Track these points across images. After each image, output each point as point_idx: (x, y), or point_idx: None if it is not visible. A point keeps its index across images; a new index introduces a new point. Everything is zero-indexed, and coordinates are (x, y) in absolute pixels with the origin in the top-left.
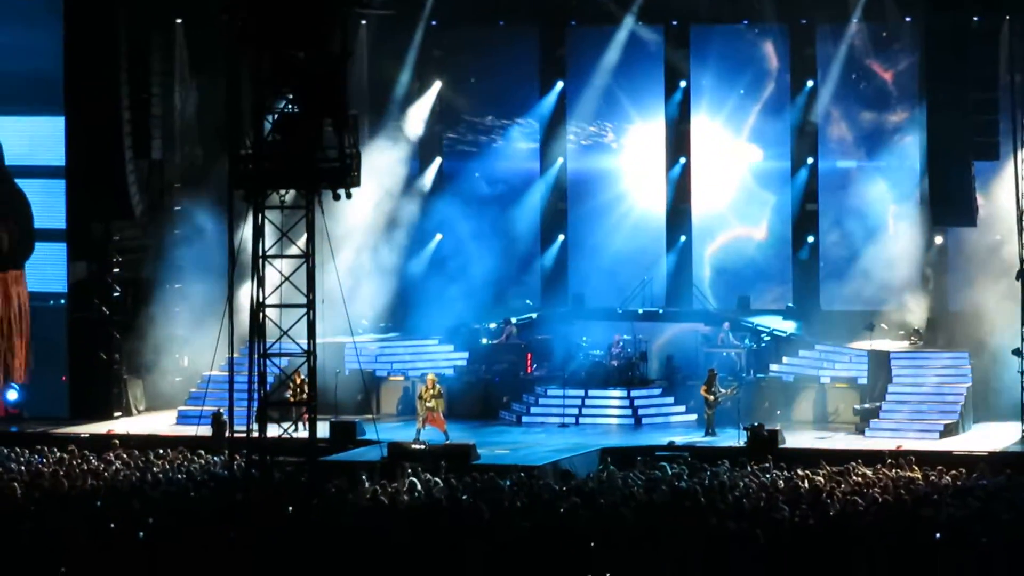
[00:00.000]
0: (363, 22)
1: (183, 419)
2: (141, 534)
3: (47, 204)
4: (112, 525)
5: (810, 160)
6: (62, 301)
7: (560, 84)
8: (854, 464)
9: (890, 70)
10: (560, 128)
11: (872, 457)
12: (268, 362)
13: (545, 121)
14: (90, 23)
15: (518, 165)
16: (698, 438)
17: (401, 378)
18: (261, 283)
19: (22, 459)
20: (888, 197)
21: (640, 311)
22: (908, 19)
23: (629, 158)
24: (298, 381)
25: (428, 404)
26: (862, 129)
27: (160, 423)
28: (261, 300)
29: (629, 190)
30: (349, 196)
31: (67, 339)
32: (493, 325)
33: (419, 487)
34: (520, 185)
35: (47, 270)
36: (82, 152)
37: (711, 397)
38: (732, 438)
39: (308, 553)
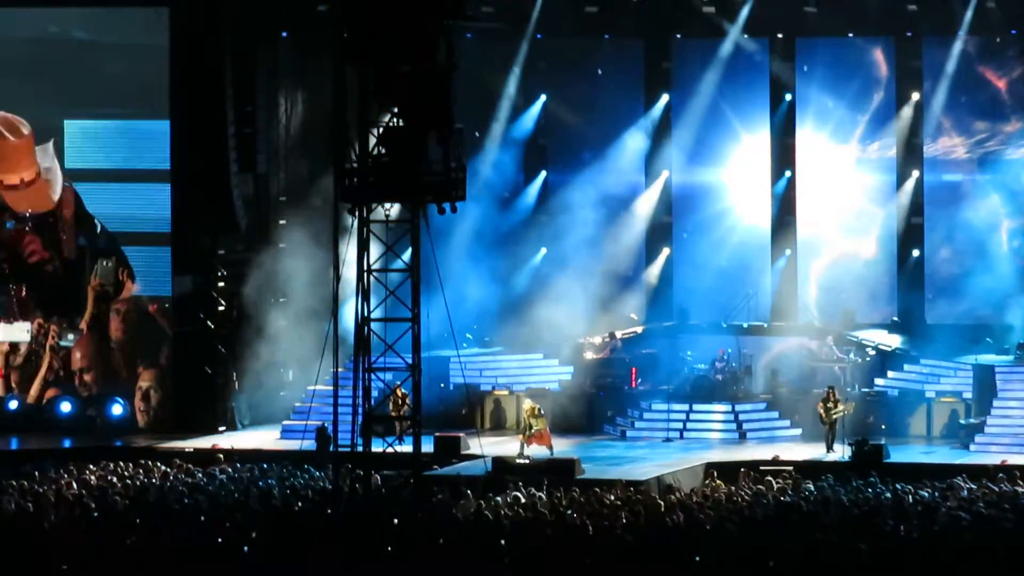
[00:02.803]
0: (468, 35)
1: (287, 433)
2: (245, 548)
3: (153, 206)
4: (218, 539)
5: (916, 173)
6: (166, 305)
7: (666, 97)
8: (959, 479)
9: (1004, 78)
10: (666, 141)
11: (977, 472)
12: (373, 376)
13: (651, 134)
14: (195, 31)
15: (623, 178)
16: (802, 452)
17: (506, 392)
18: (366, 297)
19: (127, 473)
20: (1001, 212)
21: (745, 325)
22: (1014, 32)
23: (734, 172)
24: (399, 394)
25: (535, 427)
26: (974, 140)
27: (265, 438)
28: (366, 314)
29: (734, 204)
30: (455, 210)
31: (172, 353)
32: (598, 339)
33: (523, 501)
34: (625, 198)
35: (154, 274)
36: (187, 162)
37: (827, 414)
38: (836, 452)
39: (412, 567)
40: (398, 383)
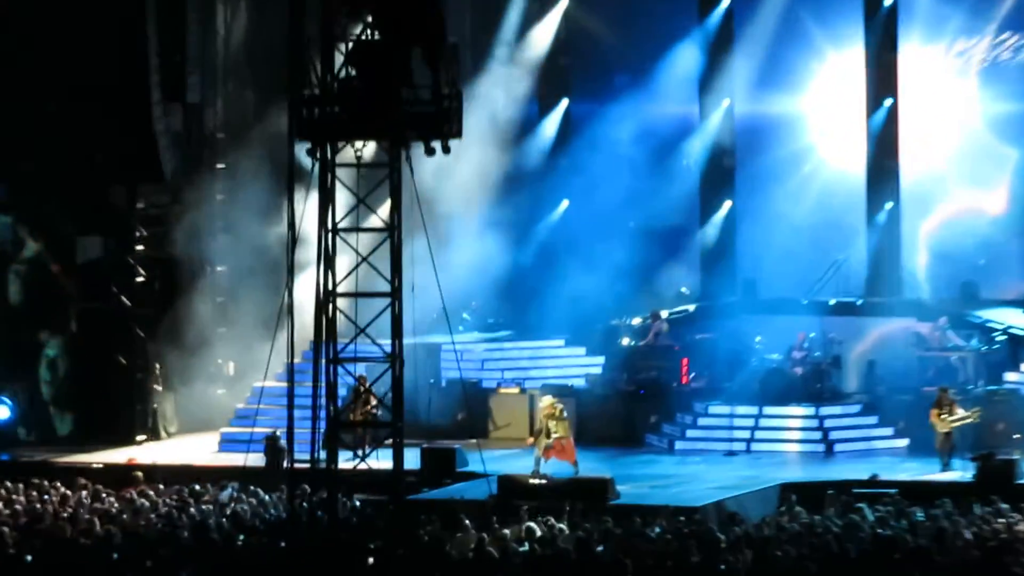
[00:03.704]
0: None
1: (228, 444)
2: None
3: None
4: None
5: None
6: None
7: (725, 2)
8: None
9: None
10: (726, 60)
11: None
12: (340, 369)
13: (707, 51)
14: None
15: (670, 109)
16: (909, 470)
17: (515, 390)
18: (331, 265)
19: (15, 496)
20: None
21: (832, 302)
22: None
23: (817, 100)
24: (363, 392)
25: (554, 434)
26: None
27: (198, 449)
28: (330, 288)
29: (817, 143)
30: (447, 150)
31: (72, 338)
32: (637, 321)
33: (539, 534)
34: (673, 136)
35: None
36: (94, 88)
37: (942, 423)
38: (956, 469)
39: None
40: (362, 377)
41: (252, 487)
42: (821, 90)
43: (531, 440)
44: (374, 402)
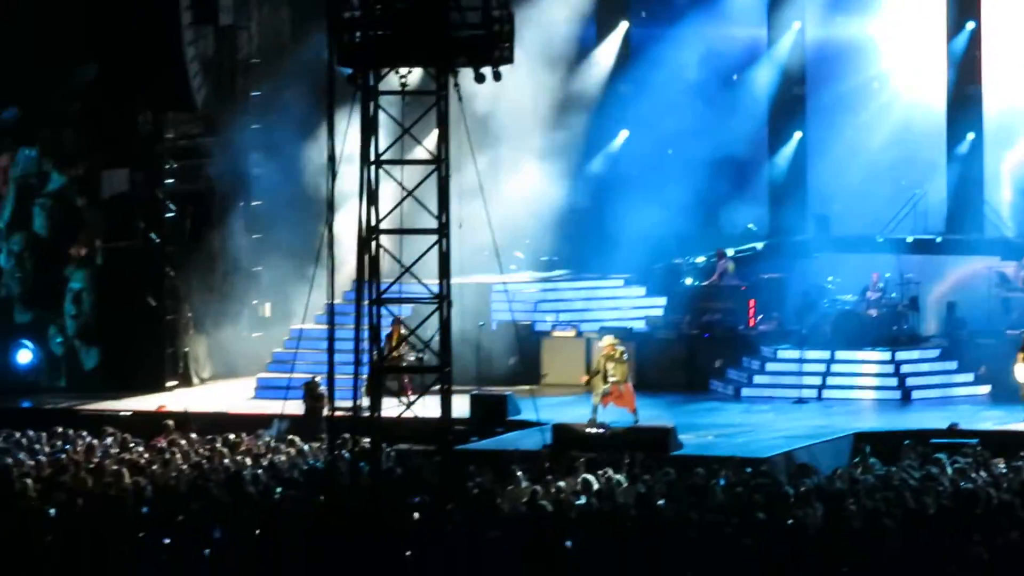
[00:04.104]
0: None
1: (264, 391)
2: (207, 551)
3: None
4: (165, 539)
5: None
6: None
7: None
8: None
9: None
10: None
11: None
12: (383, 310)
13: None
14: None
15: (737, 32)
16: (992, 419)
17: (571, 333)
18: (373, 199)
19: (38, 446)
20: None
21: (909, 240)
22: None
23: (891, 23)
24: (400, 334)
25: (611, 377)
26: None
27: (232, 396)
28: (373, 223)
29: (891, 70)
30: (498, 77)
31: (98, 272)
32: (701, 260)
33: (597, 488)
34: (739, 62)
35: None
36: (119, 14)
37: None
38: None
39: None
40: (398, 318)
41: (290, 436)
42: (897, 13)
43: (585, 379)
44: (404, 348)
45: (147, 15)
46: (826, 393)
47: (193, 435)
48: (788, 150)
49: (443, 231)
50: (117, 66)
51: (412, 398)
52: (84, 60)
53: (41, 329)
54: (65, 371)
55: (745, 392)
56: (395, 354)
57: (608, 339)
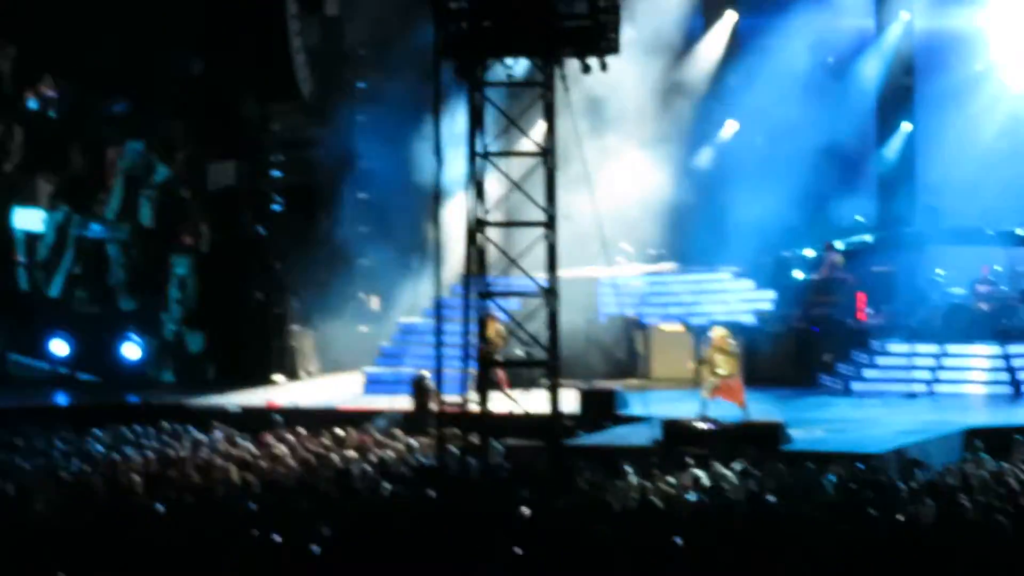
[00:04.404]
0: None
1: (373, 385)
2: (316, 548)
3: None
4: (274, 536)
5: None
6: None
7: None
8: None
9: None
10: None
11: None
12: (491, 304)
13: None
14: None
15: (845, 23)
16: None
17: (679, 327)
18: (480, 192)
19: (145, 441)
20: None
21: (1020, 232)
22: None
23: (1000, 14)
24: (496, 331)
25: (719, 370)
26: None
27: (339, 391)
28: (480, 216)
29: (1000, 62)
30: (604, 67)
31: (203, 266)
32: (810, 252)
33: (707, 484)
34: (848, 52)
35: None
36: (227, 8)
37: None
38: None
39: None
40: (489, 315)
41: (398, 431)
42: (1006, 3)
43: (691, 365)
44: (502, 342)
45: (253, 6)
46: (937, 387)
47: (301, 430)
48: (897, 141)
49: (550, 223)
50: (223, 58)
51: (509, 392)
52: (191, 54)
53: (146, 319)
54: (172, 361)
55: (855, 386)
56: (489, 348)
57: (720, 330)
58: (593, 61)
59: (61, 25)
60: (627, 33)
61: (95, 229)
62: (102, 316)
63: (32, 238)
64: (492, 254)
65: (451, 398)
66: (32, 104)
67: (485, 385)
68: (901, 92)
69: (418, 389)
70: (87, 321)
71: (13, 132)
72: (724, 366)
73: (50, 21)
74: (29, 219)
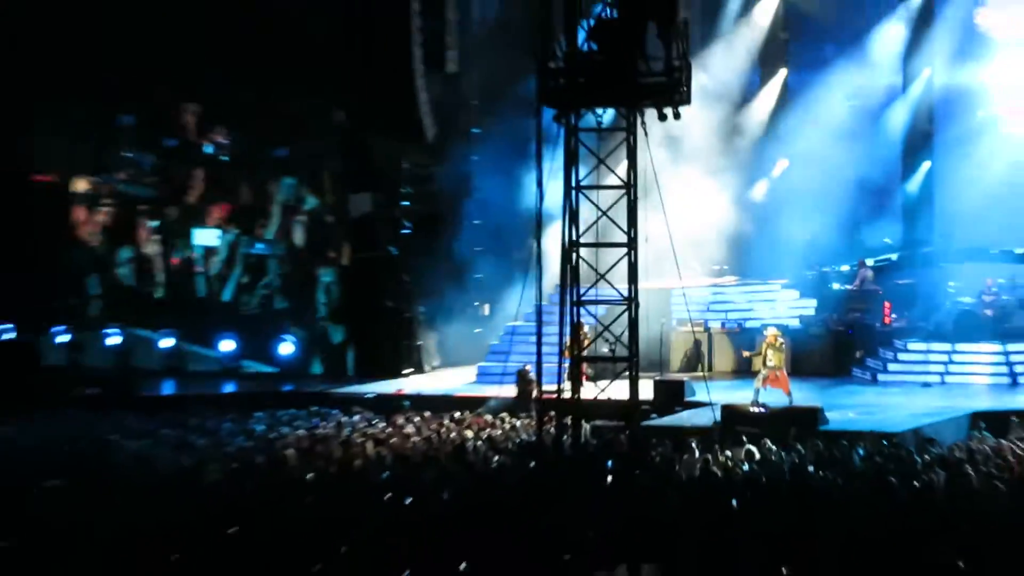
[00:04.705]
0: None
1: (484, 376)
2: (438, 510)
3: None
4: (406, 500)
5: None
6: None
7: None
8: None
9: None
10: (926, 34)
11: None
12: (582, 310)
13: (911, 26)
14: None
15: (877, 79)
16: None
17: (736, 329)
18: (574, 218)
19: (298, 423)
20: None
21: (1018, 251)
22: None
23: (1003, 72)
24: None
25: (770, 362)
26: None
27: (456, 381)
28: (574, 238)
29: (1003, 111)
30: (677, 116)
31: (344, 276)
32: (846, 268)
33: (758, 457)
34: (879, 103)
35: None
36: (363, 62)
37: None
38: None
39: (629, 532)
40: (579, 320)
41: (504, 414)
42: (1008, 63)
43: (746, 353)
44: (587, 343)
45: (387, 65)
46: (948, 378)
47: (426, 413)
48: (919, 177)
49: (631, 244)
50: (362, 109)
51: (587, 384)
52: (335, 106)
53: (297, 318)
54: (319, 356)
55: (881, 378)
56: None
57: (772, 330)
58: (668, 111)
59: (232, 86)
60: (698, 83)
61: (258, 247)
62: (262, 317)
63: (209, 253)
64: (583, 269)
65: (548, 387)
66: (208, 149)
67: (576, 376)
68: (923, 136)
69: (521, 379)
70: (251, 321)
71: (195, 171)
72: (774, 360)
73: (223, 84)
74: (207, 238)
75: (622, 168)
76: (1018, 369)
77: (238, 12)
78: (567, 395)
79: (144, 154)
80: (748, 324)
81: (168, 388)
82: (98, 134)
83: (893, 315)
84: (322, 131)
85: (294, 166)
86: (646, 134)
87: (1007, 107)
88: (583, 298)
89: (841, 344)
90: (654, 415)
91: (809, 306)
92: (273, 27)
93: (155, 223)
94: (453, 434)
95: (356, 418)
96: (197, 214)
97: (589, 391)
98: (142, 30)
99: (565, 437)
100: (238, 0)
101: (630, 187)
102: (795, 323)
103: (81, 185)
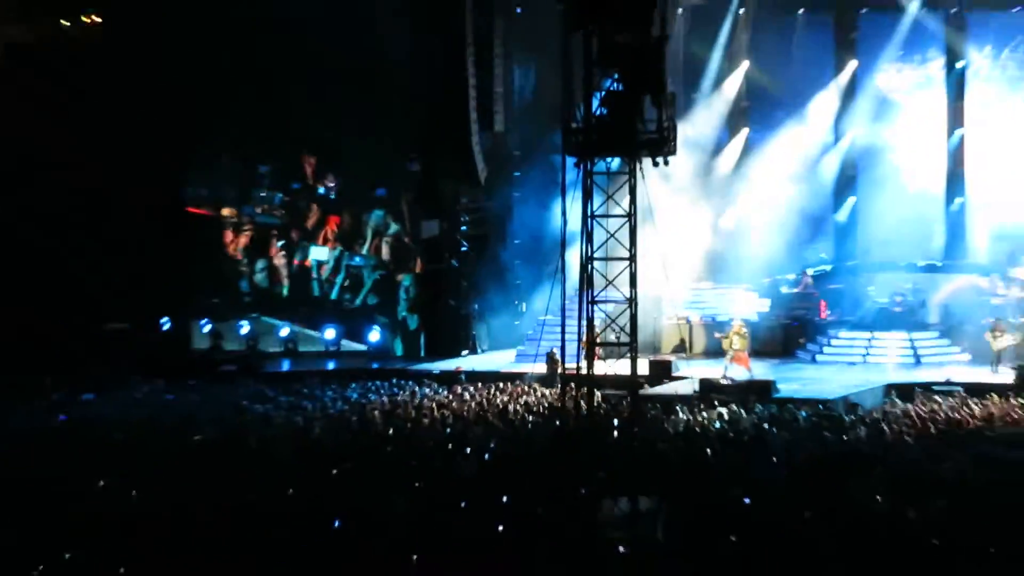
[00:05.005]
0: (680, 10)
1: (521, 357)
2: (486, 456)
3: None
4: (466, 448)
5: None
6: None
7: (853, 64)
8: None
9: None
10: (851, 104)
11: None
12: (595, 308)
13: (841, 96)
14: (440, 14)
15: (815, 136)
16: (971, 375)
17: (711, 322)
18: (590, 239)
19: (382, 391)
20: None
21: (920, 263)
22: None
23: (907, 130)
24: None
25: (735, 346)
26: None
27: (501, 360)
28: (589, 254)
29: (905, 162)
30: (667, 163)
31: (418, 281)
32: (792, 276)
33: (728, 417)
34: (817, 153)
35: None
36: (434, 128)
37: (995, 343)
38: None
39: (630, 472)
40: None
41: (536, 385)
42: (911, 123)
43: (718, 335)
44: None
45: (450, 125)
46: (868, 359)
47: (478, 383)
48: (846, 208)
49: (632, 259)
50: (432, 158)
51: (598, 362)
52: (413, 158)
53: (385, 311)
54: (400, 341)
55: (818, 358)
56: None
57: (738, 322)
58: (660, 159)
59: (338, 143)
60: (683, 135)
61: (356, 260)
62: (359, 311)
63: (320, 265)
64: (596, 277)
65: (570, 365)
66: (321, 190)
67: (590, 357)
68: (848, 178)
69: (550, 360)
70: (350, 314)
71: (311, 206)
72: (739, 344)
73: (333, 141)
74: (319, 254)
75: (625, 201)
76: (920, 352)
77: (341, 90)
78: (584, 371)
79: (275, 193)
80: (719, 318)
81: (285, 365)
82: (242, 178)
83: (827, 311)
84: (402, 176)
85: (382, 201)
86: (643, 176)
87: (905, 156)
88: (596, 298)
89: (789, 333)
90: (648, 386)
91: (764, 303)
92: (366, 100)
93: (282, 243)
94: (498, 400)
95: (425, 388)
96: (312, 236)
97: (600, 368)
98: (273, 101)
99: (582, 402)
100: (342, 81)
101: (631, 216)
102: (754, 317)
103: (226, 212)
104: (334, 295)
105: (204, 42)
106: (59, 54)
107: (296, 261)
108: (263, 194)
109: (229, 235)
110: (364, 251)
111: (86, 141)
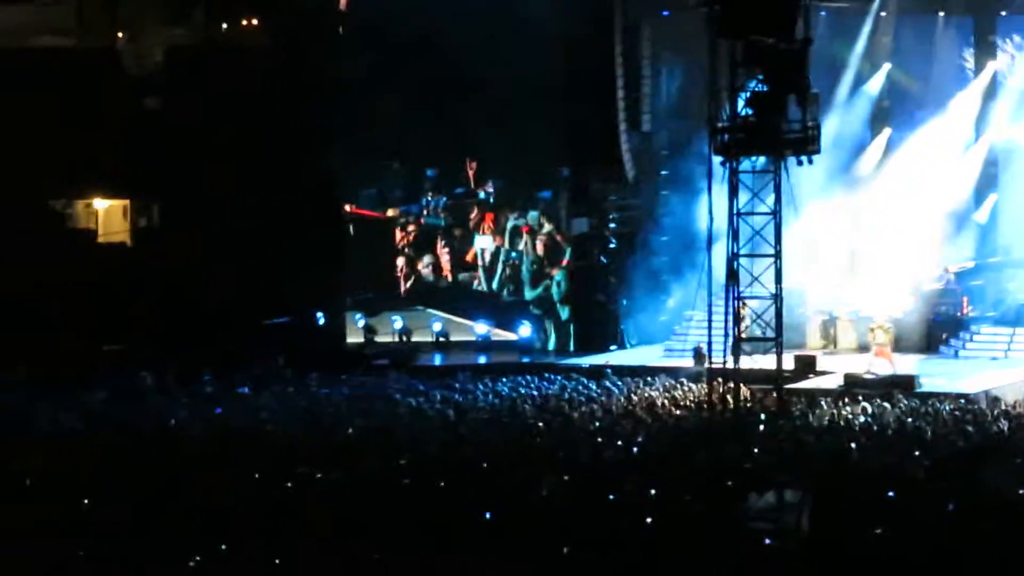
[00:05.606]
0: (823, 13)
1: (668, 352)
2: (635, 450)
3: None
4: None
5: None
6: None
7: (993, 64)
8: None
9: None
10: (992, 104)
11: None
12: (742, 303)
13: (982, 96)
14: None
15: (956, 136)
16: None
17: (855, 318)
18: (736, 236)
19: (532, 386)
20: None
21: None
22: None
23: None
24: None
25: (879, 341)
26: None
27: (649, 355)
28: (735, 251)
29: None
30: (811, 162)
31: (569, 276)
32: (935, 272)
33: (871, 411)
34: (958, 153)
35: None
36: (583, 132)
37: None
38: None
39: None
40: (739, 311)
41: (683, 379)
42: None
43: (872, 326)
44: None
45: (600, 126)
46: (1010, 354)
47: (626, 378)
48: (987, 206)
49: (777, 255)
50: (582, 159)
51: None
52: (565, 164)
53: (540, 306)
54: (554, 331)
55: (961, 353)
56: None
57: (881, 316)
58: (804, 158)
59: (498, 150)
60: (824, 140)
61: (514, 255)
62: (513, 305)
63: (483, 252)
64: (742, 273)
65: (716, 360)
66: (481, 195)
67: (738, 352)
68: (990, 177)
69: (697, 354)
70: (506, 307)
71: (474, 207)
72: (883, 339)
73: (493, 149)
74: (483, 242)
75: (770, 199)
76: None
77: (502, 104)
78: (730, 366)
79: (439, 197)
80: (862, 313)
81: (437, 359)
82: (411, 184)
83: (970, 307)
84: (554, 179)
85: (538, 202)
86: (788, 174)
87: None
88: (741, 295)
89: (931, 328)
90: (794, 381)
91: (908, 300)
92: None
93: (445, 241)
94: (646, 394)
95: (574, 383)
96: (476, 231)
97: (746, 363)
98: (439, 114)
99: (729, 397)
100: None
101: (776, 213)
102: (898, 313)
103: (391, 212)
104: (495, 286)
105: (374, 56)
106: (222, 57)
107: (460, 258)
108: (429, 200)
109: (399, 233)
110: (520, 248)
111: (250, 144)
